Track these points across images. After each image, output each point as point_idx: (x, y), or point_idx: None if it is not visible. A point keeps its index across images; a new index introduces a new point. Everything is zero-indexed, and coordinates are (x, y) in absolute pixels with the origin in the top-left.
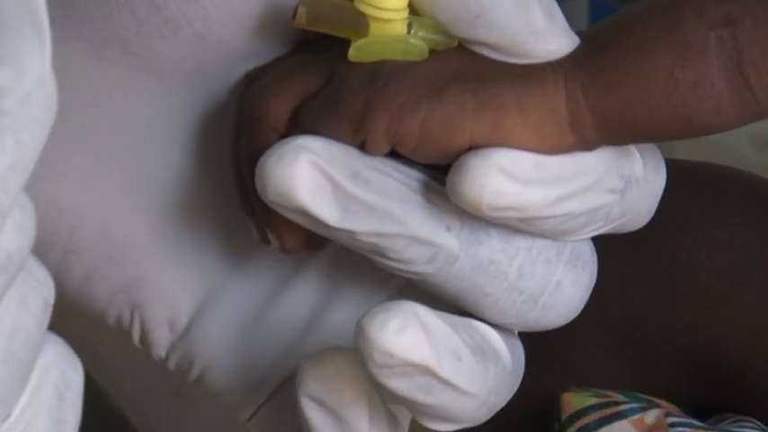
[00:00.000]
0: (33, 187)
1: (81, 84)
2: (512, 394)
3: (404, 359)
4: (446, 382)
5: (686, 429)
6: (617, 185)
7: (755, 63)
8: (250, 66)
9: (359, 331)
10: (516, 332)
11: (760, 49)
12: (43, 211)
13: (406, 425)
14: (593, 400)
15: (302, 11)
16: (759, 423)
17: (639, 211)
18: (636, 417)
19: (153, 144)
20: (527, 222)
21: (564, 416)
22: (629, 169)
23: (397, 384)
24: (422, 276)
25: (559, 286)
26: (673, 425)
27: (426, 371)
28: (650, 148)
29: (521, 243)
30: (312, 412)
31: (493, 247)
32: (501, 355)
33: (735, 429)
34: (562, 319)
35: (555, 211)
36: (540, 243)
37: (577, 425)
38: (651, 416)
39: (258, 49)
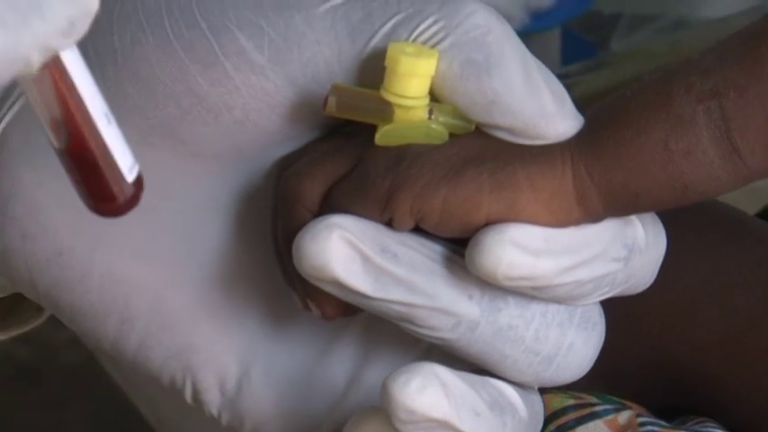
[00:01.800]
0: (90, 260)
1: None
2: None
3: (425, 415)
4: None
5: (655, 428)
6: (621, 254)
7: (741, 129)
8: (285, 148)
9: (384, 391)
10: (535, 387)
11: (745, 115)
12: (100, 282)
13: None
14: (571, 402)
15: (332, 100)
16: (719, 424)
17: (643, 275)
18: (609, 417)
19: (197, 220)
20: (540, 290)
21: (544, 415)
22: (632, 239)
23: None
24: (446, 342)
25: (572, 347)
26: (643, 424)
27: (447, 425)
28: (651, 218)
29: (536, 309)
30: None
31: (511, 313)
32: (518, 408)
33: (699, 429)
34: (575, 375)
35: (565, 279)
36: (553, 308)
37: (556, 423)
38: (623, 416)
39: (292, 134)
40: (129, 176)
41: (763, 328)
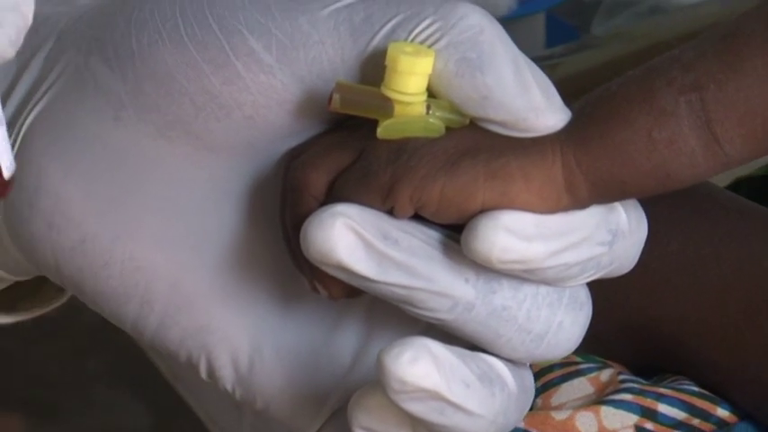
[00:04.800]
0: (112, 247)
1: (152, 160)
2: (522, 415)
3: (416, 386)
4: (456, 406)
5: (635, 385)
6: (606, 239)
7: (721, 120)
8: (292, 141)
9: (378, 363)
10: (527, 364)
11: (724, 107)
12: (121, 268)
13: None
14: (556, 360)
15: (336, 97)
16: (693, 382)
17: (626, 258)
18: (592, 375)
19: (212, 209)
20: (531, 272)
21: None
22: (616, 224)
23: (414, 407)
24: (444, 322)
25: (561, 326)
26: (623, 381)
27: (437, 396)
28: (633, 204)
29: (528, 290)
30: None
31: (504, 295)
32: (507, 382)
33: (675, 386)
34: (565, 352)
35: (554, 262)
36: (543, 290)
37: (543, 380)
38: (605, 374)
39: (298, 128)
40: (6, 173)
41: (732, 295)
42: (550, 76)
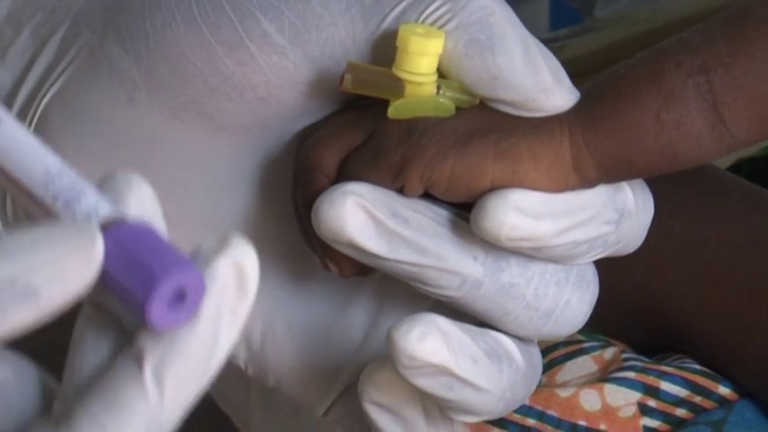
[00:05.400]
0: None
1: (165, 142)
2: (529, 391)
3: (425, 361)
4: (465, 381)
5: (638, 363)
6: (613, 218)
7: (728, 103)
8: (304, 122)
9: (388, 339)
10: (535, 341)
11: (731, 91)
12: None
13: None
14: (562, 338)
15: (348, 77)
16: (695, 360)
17: (632, 237)
18: (596, 353)
19: (226, 189)
20: (539, 250)
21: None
22: (623, 204)
23: (424, 383)
24: (453, 299)
25: (568, 303)
26: (626, 359)
27: (446, 371)
28: (640, 185)
29: (535, 268)
30: (376, 414)
31: (512, 273)
32: (514, 357)
33: (677, 364)
34: (572, 329)
35: (562, 240)
36: (551, 267)
37: (547, 358)
38: (609, 353)
39: (310, 108)
40: None
41: (733, 275)
42: (556, 56)
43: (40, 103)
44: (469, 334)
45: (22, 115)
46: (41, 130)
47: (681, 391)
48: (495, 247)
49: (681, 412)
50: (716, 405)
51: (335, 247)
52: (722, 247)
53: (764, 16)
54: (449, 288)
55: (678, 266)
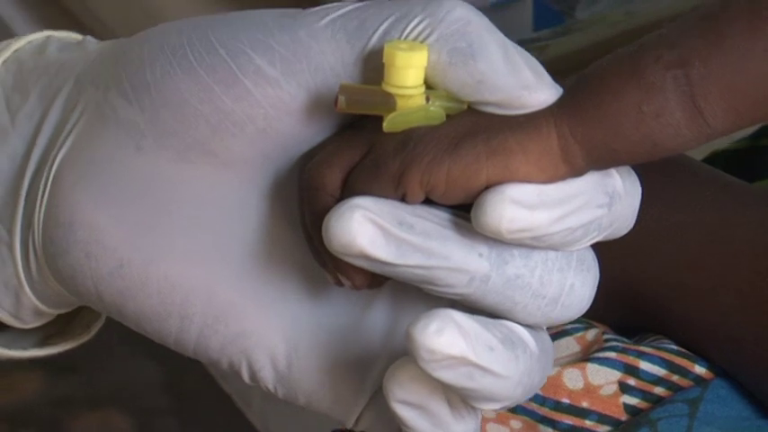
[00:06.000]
0: (148, 269)
1: (174, 183)
2: (544, 376)
3: (445, 353)
4: (484, 369)
5: (619, 344)
6: (604, 201)
7: (705, 95)
8: (304, 149)
9: (407, 336)
10: (545, 327)
11: (708, 83)
12: (158, 287)
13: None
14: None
15: (342, 98)
16: (672, 341)
17: (624, 219)
18: (579, 334)
19: (236, 221)
20: (538, 239)
21: None
22: (612, 188)
23: (445, 375)
24: (464, 297)
25: (573, 287)
26: (608, 340)
27: (465, 361)
28: (627, 170)
29: (538, 257)
30: (403, 412)
31: (517, 264)
32: (528, 344)
33: (656, 345)
34: (579, 312)
35: (558, 227)
36: (552, 255)
37: None
38: (591, 334)
39: (309, 135)
40: None
41: (707, 259)
42: (538, 57)
43: (53, 163)
44: (484, 325)
45: (36, 176)
46: (57, 188)
47: (659, 371)
48: (498, 241)
49: (659, 390)
50: (692, 383)
51: (347, 260)
52: (696, 232)
53: (738, 13)
54: (458, 286)
55: (655, 251)
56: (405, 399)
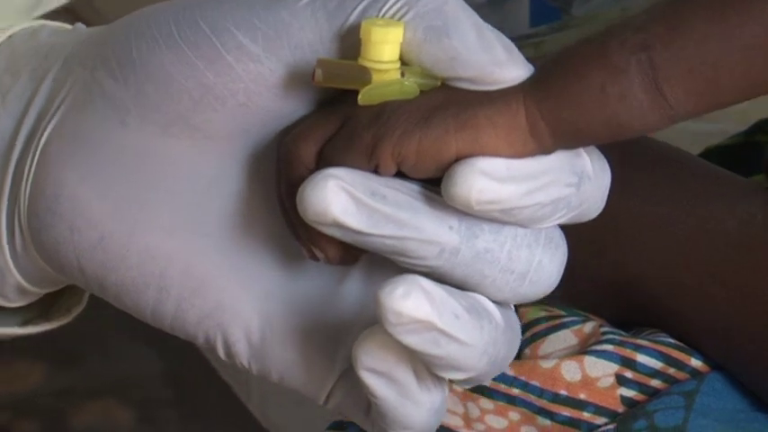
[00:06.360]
0: (129, 241)
1: (157, 157)
2: (511, 351)
3: (410, 317)
4: (449, 336)
5: (615, 337)
6: (572, 180)
7: (668, 77)
8: (282, 123)
9: (376, 300)
10: (512, 307)
11: (670, 66)
12: (138, 260)
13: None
14: (543, 313)
15: (319, 72)
16: (668, 334)
17: (594, 201)
18: (576, 327)
19: (215, 195)
20: (507, 213)
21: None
22: (581, 167)
23: (411, 340)
24: (434, 269)
25: (540, 264)
26: (605, 333)
27: (430, 326)
28: (596, 153)
29: (507, 233)
30: (370, 380)
31: (486, 239)
32: (493, 315)
33: (652, 338)
34: (547, 289)
35: (527, 201)
36: (521, 231)
37: (530, 332)
38: (588, 327)
39: (288, 110)
40: None
41: (697, 253)
42: (535, 52)
43: (40, 138)
44: (450, 293)
45: (24, 152)
46: (44, 162)
47: (656, 364)
48: (468, 215)
49: (655, 383)
50: (688, 376)
51: (321, 229)
52: (688, 226)
53: (701, 3)
54: (429, 257)
55: (648, 245)
56: (372, 366)
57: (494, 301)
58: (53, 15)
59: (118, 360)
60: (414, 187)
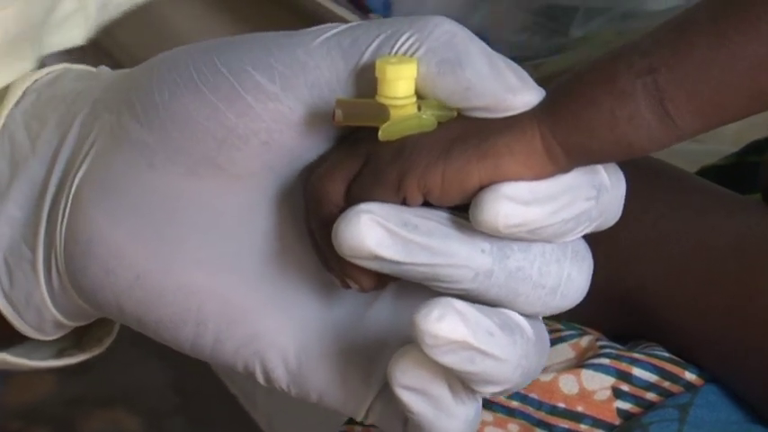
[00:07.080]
0: (165, 279)
1: (186, 196)
2: (541, 362)
3: (447, 338)
4: (484, 353)
5: (612, 351)
6: (592, 194)
7: (672, 98)
8: (306, 159)
9: (412, 324)
10: (540, 318)
11: (675, 88)
12: (174, 297)
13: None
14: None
15: (339, 112)
16: (664, 348)
17: (612, 210)
18: (573, 341)
19: (244, 230)
20: (534, 232)
21: None
22: (599, 181)
23: (448, 359)
24: (469, 292)
25: (570, 277)
26: (602, 347)
27: (466, 345)
28: (612, 165)
29: (536, 250)
30: (406, 397)
31: (517, 258)
32: (525, 329)
33: (648, 351)
34: (576, 300)
35: (552, 220)
36: (549, 247)
37: None
38: (585, 340)
39: (309, 146)
40: None
41: (693, 268)
42: (534, 74)
43: (72, 184)
44: (483, 311)
45: (57, 197)
46: (76, 208)
47: (651, 377)
48: (497, 238)
49: (651, 396)
50: (683, 389)
51: (356, 262)
52: (685, 240)
53: (704, 26)
54: (463, 281)
55: (645, 259)
56: (407, 384)
57: (523, 315)
58: (78, 50)
59: (127, 369)
60: (442, 215)
